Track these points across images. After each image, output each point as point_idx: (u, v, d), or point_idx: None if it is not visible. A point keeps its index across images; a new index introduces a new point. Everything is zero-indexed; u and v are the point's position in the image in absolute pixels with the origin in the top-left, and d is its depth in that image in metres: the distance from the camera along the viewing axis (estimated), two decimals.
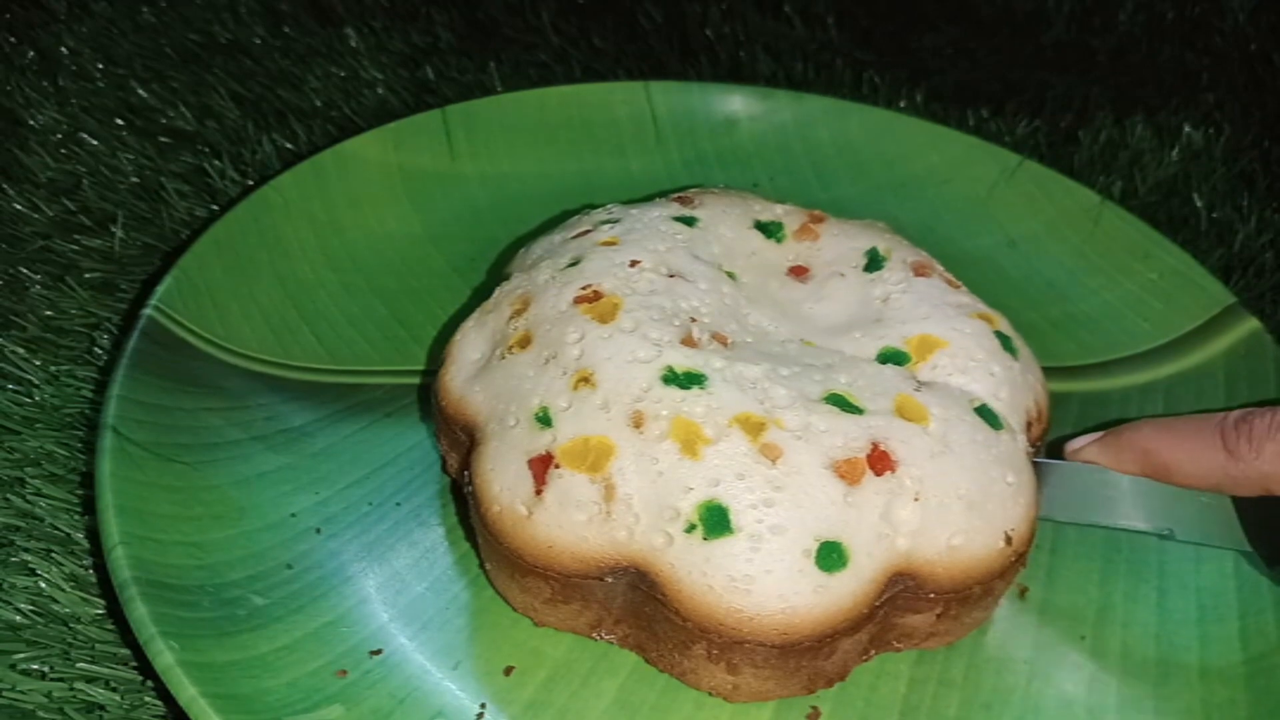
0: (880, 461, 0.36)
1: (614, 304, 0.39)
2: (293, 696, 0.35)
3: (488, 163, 0.58)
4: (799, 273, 0.44)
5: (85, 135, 0.59)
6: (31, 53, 0.65)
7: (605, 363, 0.37)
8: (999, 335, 0.41)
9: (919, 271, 0.43)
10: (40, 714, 0.36)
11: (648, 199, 0.46)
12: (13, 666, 0.37)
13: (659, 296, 0.39)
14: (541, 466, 0.36)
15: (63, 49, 0.66)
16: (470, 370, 0.40)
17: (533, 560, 0.36)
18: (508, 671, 0.37)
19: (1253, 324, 0.50)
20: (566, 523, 0.36)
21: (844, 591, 0.35)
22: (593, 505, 0.35)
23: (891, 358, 0.39)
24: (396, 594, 0.39)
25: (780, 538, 0.34)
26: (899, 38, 0.79)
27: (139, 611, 0.35)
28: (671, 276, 0.40)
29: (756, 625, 0.34)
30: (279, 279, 0.49)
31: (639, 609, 0.37)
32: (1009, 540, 0.37)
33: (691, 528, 0.35)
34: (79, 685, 0.36)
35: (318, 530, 0.41)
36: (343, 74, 0.67)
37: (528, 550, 0.36)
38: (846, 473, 0.35)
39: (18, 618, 0.38)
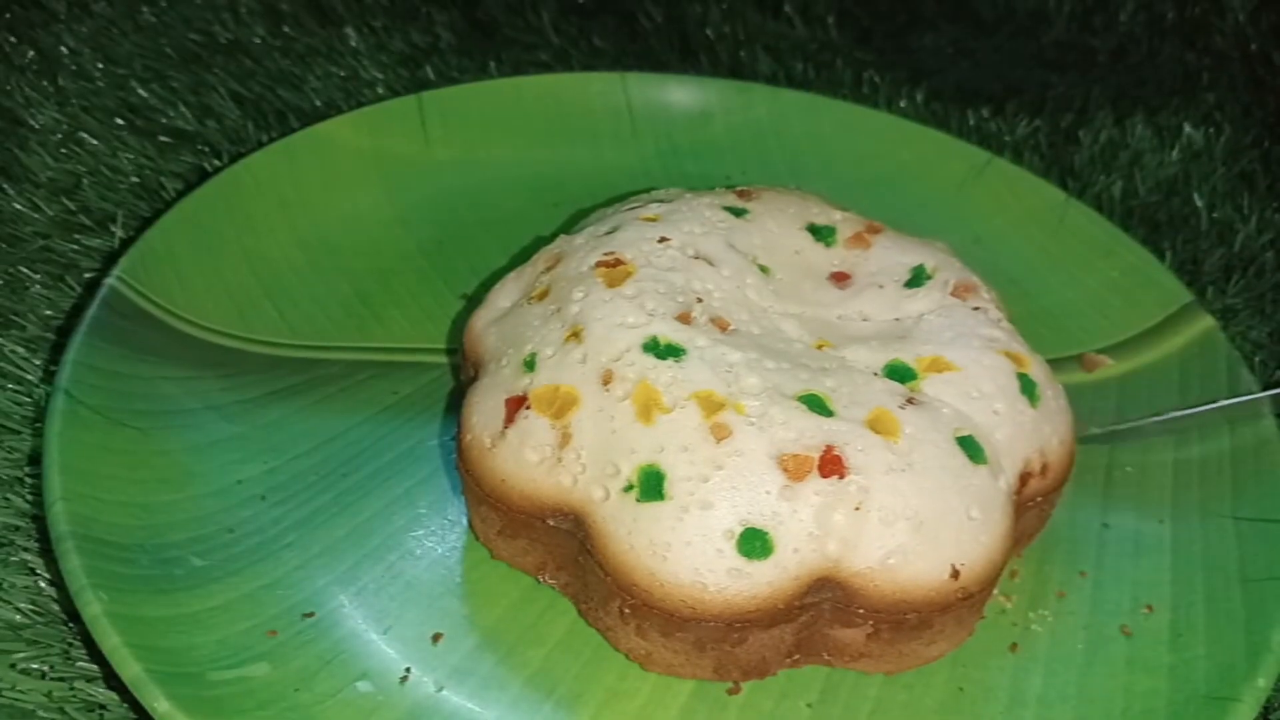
0: (831, 465, 0.36)
1: (627, 272, 0.40)
2: (220, 653, 0.36)
3: (462, 149, 0.58)
4: (840, 279, 0.44)
5: (85, 135, 0.60)
6: (31, 53, 0.66)
7: (596, 322, 0.39)
8: (1022, 377, 0.40)
9: (959, 295, 0.42)
10: (40, 714, 0.36)
11: (710, 189, 0.47)
12: (13, 666, 0.37)
13: (674, 273, 0.40)
14: (514, 406, 0.38)
15: (63, 49, 0.66)
16: (496, 314, 0.43)
17: (488, 489, 0.38)
18: (436, 638, 0.38)
19: (1208, 322, 0.50)
20: (521, 461, 0.37)
21: (761, 580, 0.35)
22: (546, 448, 0.37)
23: (897, 371, 0.39)
24: (334, 561, 0.40)
25: (706, 514, 0.35)
26: (899, 38, 0.79)
27: (72, 563, 0.36)
28: (696, 258, 0.41)
29: (666, 593, 0.35)
30: (245, 255, 0.50)
31: (575, 558, 0.38)
32: (956, 574, 0.36)
33: (629, 487, 0.36)
34: (79, 685, 0.37)
35: (262, 497, 0.41)
36: (343, 74, 0.68)
37: (484, 480, 0.38)
38: (791, 467, 0.36)
39: (18, 618, 0.38)
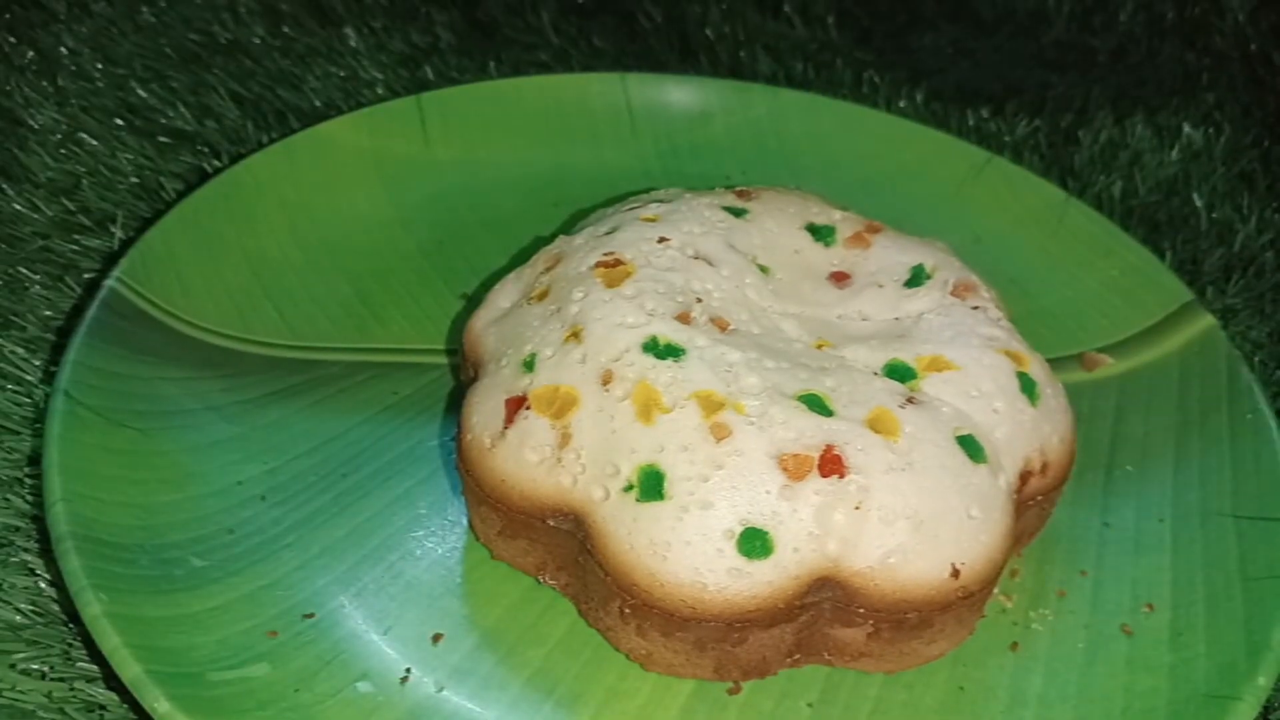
0: (831, 464, 0.36)
1: (626, 272, 0.40)
2: (221, 653, 0.36)
3: (462, 149, 0.58)
4: (840, 279, 0.44)
5: (85, 135, 0.60)
6: (31, 53, 0.66)
7: (596, 322, 0.39)
8: (1021, 376, 0.40)
9: (959, 294, 0.42)
10: (40, 714, 0.36)
11: (710, 189, 0.47)
12: (13, 666, 0.37)
13: (673, 274, 0.41)
14: (514, 406, 0.38)
15: (63, 49, 0.66)
16: (496, 315, 0.43)
17: (488, 490, 0.38)
18: (436, 639, 0.38)
19: (1208, 320, 0.50)
20: (521, 461, 0.37)
21: (761, 580, 0.35)
22: (546, 448, 0.37)
23: (897, 370, 0.39)
24: (334, 561, 0.40)
25: (706, 513, 0.35)
26: (899, 38, 0.79)
27: (72, 564, 0.36)
28: (695, 258, 0.42)
29: (666, 593, 0.35)
30: (245, 256, 0.50)
31: (575, 558, 0.38)
32: (956, 573, 0.36)
33: (629, 487, 0.36)
34: (79, 685, 0.37)
35: (262, 498, 0.41)
36: (343, 74, 0.68)
37: (485, 480, 0.38)
38: (791, 467, 0.36)
39: (18, 618, 0.38)
